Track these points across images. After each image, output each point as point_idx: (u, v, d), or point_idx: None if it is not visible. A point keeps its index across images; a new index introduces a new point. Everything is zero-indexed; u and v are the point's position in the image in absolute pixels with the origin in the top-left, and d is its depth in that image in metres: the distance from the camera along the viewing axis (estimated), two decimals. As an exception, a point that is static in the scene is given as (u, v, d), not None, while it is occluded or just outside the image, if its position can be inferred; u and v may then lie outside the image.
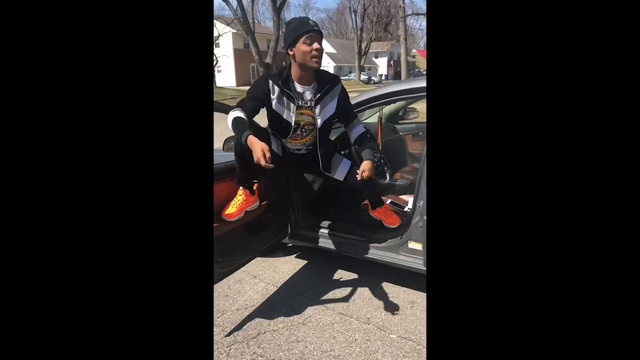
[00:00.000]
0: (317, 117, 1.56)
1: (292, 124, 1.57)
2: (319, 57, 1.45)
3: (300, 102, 1.55)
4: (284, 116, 1.55)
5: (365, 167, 1.56)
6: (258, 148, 1.34)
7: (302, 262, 2.35)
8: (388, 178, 2.50)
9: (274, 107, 1.54)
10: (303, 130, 1.62)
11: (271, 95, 1.53)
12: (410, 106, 3.05)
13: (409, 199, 2.11)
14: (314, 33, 1.43)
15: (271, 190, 1.89)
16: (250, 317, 1.82)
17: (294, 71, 1.52)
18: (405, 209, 2.12)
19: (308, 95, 1.55)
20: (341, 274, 2.20)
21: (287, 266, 2.31)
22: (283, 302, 1.91)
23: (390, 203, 2.14)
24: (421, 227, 1.67)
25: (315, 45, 1.42)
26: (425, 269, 1.70)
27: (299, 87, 1.55)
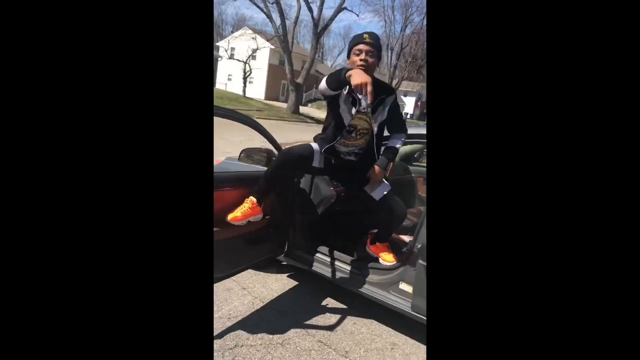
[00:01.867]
0: (373, 122, 1.69)
1: (347, 125, 1.69)
2: (365, 67, 1.55)
3: (358, 107, 1.67)
4: (344, 116, 1.68)
5: (376, 170, 1.69)
6: (360, 79, 1.41)
7: (292, 282, 2.33)
8: None
9: (340, 103, 1.67)
10: (358, 133, 1.72)
11: (342, 91, 1.65)
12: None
13: (409, 240, 2.10)
14: (364, 45, 1.58)
15: (276, 207, 1.91)
16: (231, 328, 1.81)
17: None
18: (404, 250, 2.09)
19: (364, 102, 1.66)
20: (329, 301, 2.18)
21: (278, 284, 2.30)
22: (267, 319, 1.89)
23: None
24: (415, 270, 1.67)
25: (362, 55, 1.56)
26: (413, 312, 1.71)
27: (358, 95, 1.65)
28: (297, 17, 20.50)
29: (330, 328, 1.89)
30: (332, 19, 19.13)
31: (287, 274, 2.40)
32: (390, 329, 1.96)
